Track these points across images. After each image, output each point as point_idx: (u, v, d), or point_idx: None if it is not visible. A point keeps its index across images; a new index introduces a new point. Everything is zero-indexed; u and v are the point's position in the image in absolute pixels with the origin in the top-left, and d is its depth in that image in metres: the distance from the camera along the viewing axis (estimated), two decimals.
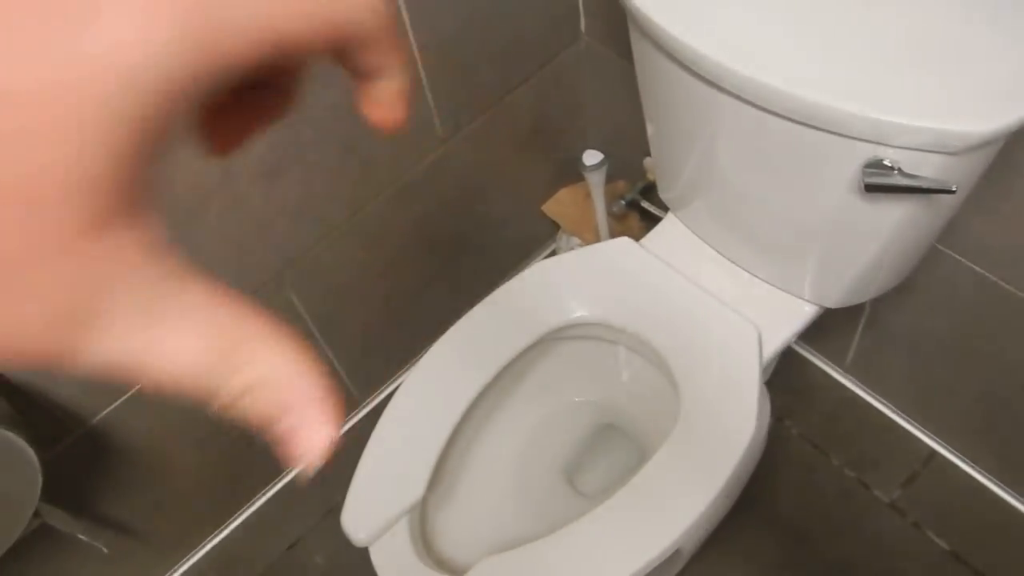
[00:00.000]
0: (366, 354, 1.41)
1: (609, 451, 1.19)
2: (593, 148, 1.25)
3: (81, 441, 1.09)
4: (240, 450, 1.32)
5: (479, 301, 1.55)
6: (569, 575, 0.86)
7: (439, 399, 1.00)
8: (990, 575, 1.22)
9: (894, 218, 0.79)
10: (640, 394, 1.13)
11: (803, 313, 1.02)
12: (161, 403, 1.13)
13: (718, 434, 0.92)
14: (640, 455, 1.17)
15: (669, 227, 1.11)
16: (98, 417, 1.09)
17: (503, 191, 1.43)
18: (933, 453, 1.32)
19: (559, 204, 1.50)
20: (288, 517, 1.42)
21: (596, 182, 1.20)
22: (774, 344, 1.00)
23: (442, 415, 0.99)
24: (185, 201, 0.99)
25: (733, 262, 1.05)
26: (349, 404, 1.47)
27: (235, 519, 1.41)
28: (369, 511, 0.93)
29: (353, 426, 1.49)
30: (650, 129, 1.01)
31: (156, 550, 1.31)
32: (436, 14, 1.09)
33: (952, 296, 1.09)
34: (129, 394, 1.10)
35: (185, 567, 1.37)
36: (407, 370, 1.52)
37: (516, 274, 1.57)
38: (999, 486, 1.27)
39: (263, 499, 1.43)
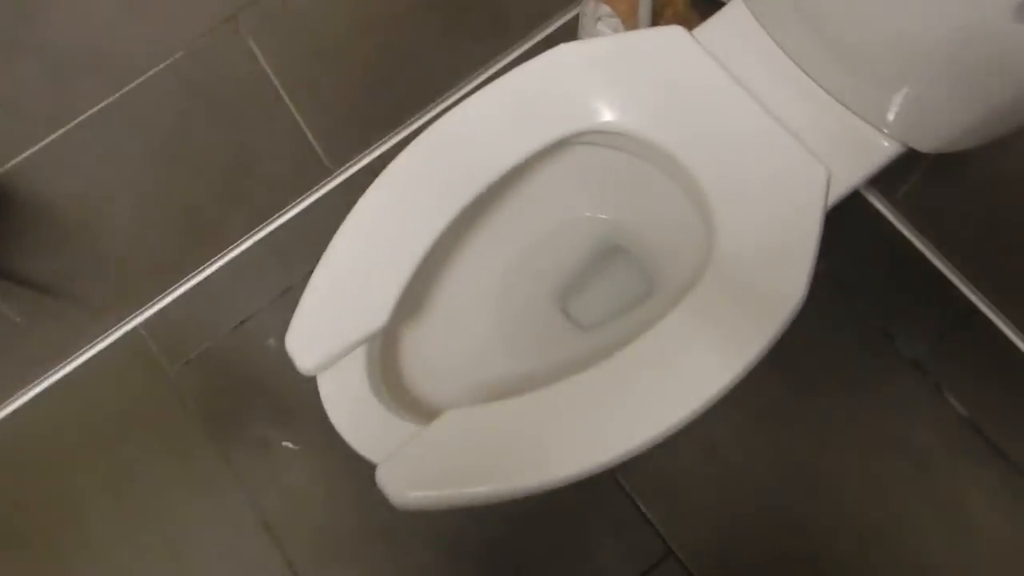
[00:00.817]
0: (342, 120, 1.20)
1: (612, 277, 1.01)
2: None
3: None
4: (186, 214, 1.14)
5: (480, 72, 1.32)
6: (554, 444, 0.72)
7: (418, 206, 0.80)
8: (1004, 448, 1.12)
9: None
10: (664, 222, 0.94)
11: (884, 152, 0.81)
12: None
13: (757, 294, 0.75)
14: (649, 287, 1.00)
15: (734, 17, 0.86)
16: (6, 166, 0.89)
17: None
18: (974, 311, 1.17)
19: None
20: (240, 290, 1.26)
21: None
22: (842, 188, 0.80)
23: (420, 226, 0.80)
24: None
25: (810, 75, 0.82)
26: (319, 172, 1.28)
27: (178, 286, 1.26)
28: (320, 334, 0.77)
29: (322, 197, 1.30)
30: None
31: (81, 318, 1.17)
32: None
33: None
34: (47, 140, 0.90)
35: (117, 335, 1.24)
36: (389, 141, 1.31)
37: (528, 43, 1.33)
38: None
39: (213, 267, 1.27)
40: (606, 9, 1.22)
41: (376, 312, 0.78)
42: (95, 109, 0.90)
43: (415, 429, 0.75)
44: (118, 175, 0.99)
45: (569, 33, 1.34)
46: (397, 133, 1.31)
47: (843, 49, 0.76)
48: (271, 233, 1.29)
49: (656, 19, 1.15)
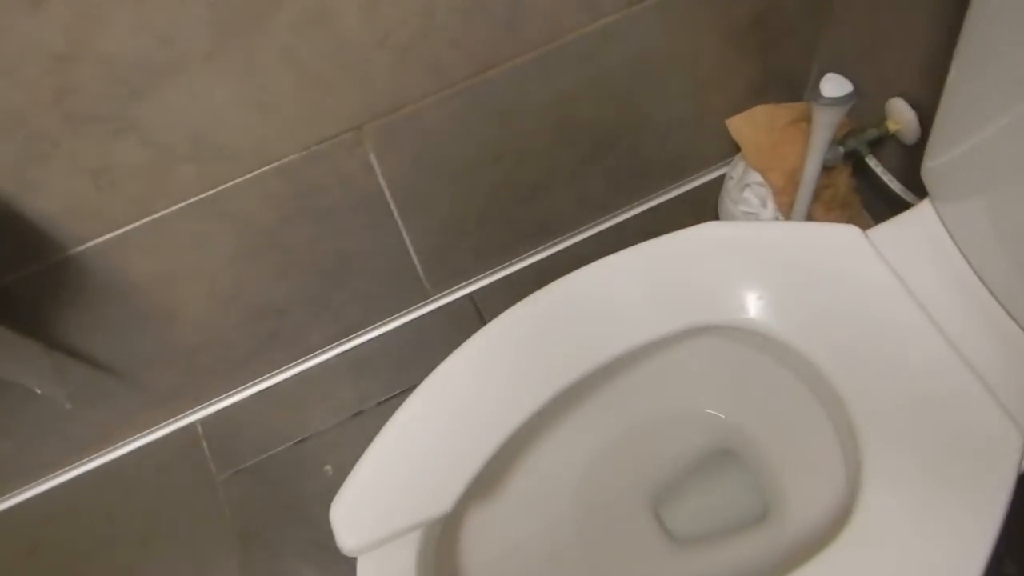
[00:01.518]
0: (451, 244, 1.11)
1: (720, 486, 0.87)
2: (831, 71, 0.86)
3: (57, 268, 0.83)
4: (267, 316, 1.06)
5: (606, 219, 1.22)
6: None
7: (519, 376, 0.69)
8: None
9: None
10: (792, 439, 0.80)
11: None
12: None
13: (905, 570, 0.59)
14: (761, 506, 0.85)
15: (919, 222, 0.73)
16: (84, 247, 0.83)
17: (684, 86, 1.05)
18: None
19: (751, 125, 1.11)
20: (306, 404, 1.17)
21: (827, 122, 0.82)
22: None
23: (514, 401, 0.68)
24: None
25: (1009, 312, 0.68)
26: (417, 293, 1.19)
27: (245, 388, 1.17)
28: (370, 510, 0.65)
29: (415, 320, 1.21)
30: (959, 65, 0.63)
31: (136, 404, 1.09)
32: None
33: None
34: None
35: (171, 428, 1.15)
36: (496, 274, 1.21)
37: (664, 196, 1.23)
38: None
39: (284, 374, 1.18)
40: (756, 177, 1.12)
41: (441, 496, 0.65)
42: (192, 200, 0.83)
43: None
44: (204, 265, 0.92)
45: (711, 193, 1.24)
46: (507, 267, 1.22)
47: None
48: (353, 348, 1.20)
49: (814, 199, 1.03)
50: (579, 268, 0.72)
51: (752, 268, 0.70)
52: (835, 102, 0.80)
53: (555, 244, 1.22)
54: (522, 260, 1.22)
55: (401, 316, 1.20)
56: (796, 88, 1.13)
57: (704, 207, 1.23)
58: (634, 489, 0.85)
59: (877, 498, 0.62)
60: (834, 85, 0.80)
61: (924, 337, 0.66)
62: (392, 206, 0.98)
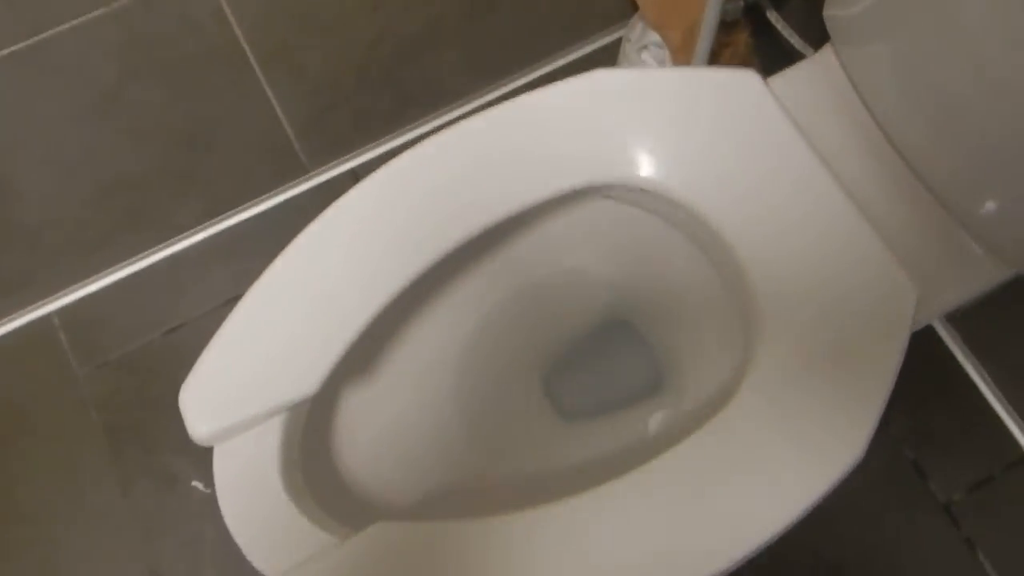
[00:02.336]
0: (327, 110, 1.01)
1: (612, 359, 0.83)
2: None
3: None
4: (122, 190, 0.95)
5: (499, 85, 1.14)
6: None
7: (389, 243, 0.62)
8: None
9: None
10: (689, 306, 0.76)
11: (988, 277, 0.63)
12: None
13: (804, 433, 0.57)
14: (654, 378, 0.82)
15: (821, 71, 0.68)
16: None
17: None
18: None
19: None
20: (179, 291, 1.08)
21: None
22: (928, 314, 0.62)
23: (385, 271, 0.61)
24: None
25: (910, 164, 0.64)
26: (293, 168, 1.09)
27: (105, 275, 1.07)
28: (224, 394, 0.58)
29: (292, 198, 1.11)
30: None
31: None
32: None
33: None
34: None
35: (22, 320, 1.05)
36: (382, 145, 1.12)
37: (560, 61, 1.15)
38: None
39: (150, 258, 1.08)
40: (654, 38, 1.05)
41: (305, 377, 0.59)
42: (10, 50, 0.71)
43: (329, 540, 0.57)
44: (37, 128, 0.81)
45: (608, 58, 1.16)
46: (393, 138, 1.12)
47: (964, 135, 0.58)
48: (226, 229, 1.10)
49: (712, 60, 0.97)
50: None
51: (643, 120, 0.64)
52: None
53: (444, 112, 1.13)
54: (408, 130, 1.13)
55: (277, 194, 1.10)
56: None
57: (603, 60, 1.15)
58: (522, 363, 0.80)
59: (768, 363, 0.58)
60: None
61: (822, 190, 0.62)
62: (253, 61, 0.87)
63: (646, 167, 0.64)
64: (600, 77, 0.66)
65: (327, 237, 0.62)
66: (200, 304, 1.08)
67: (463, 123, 0.64)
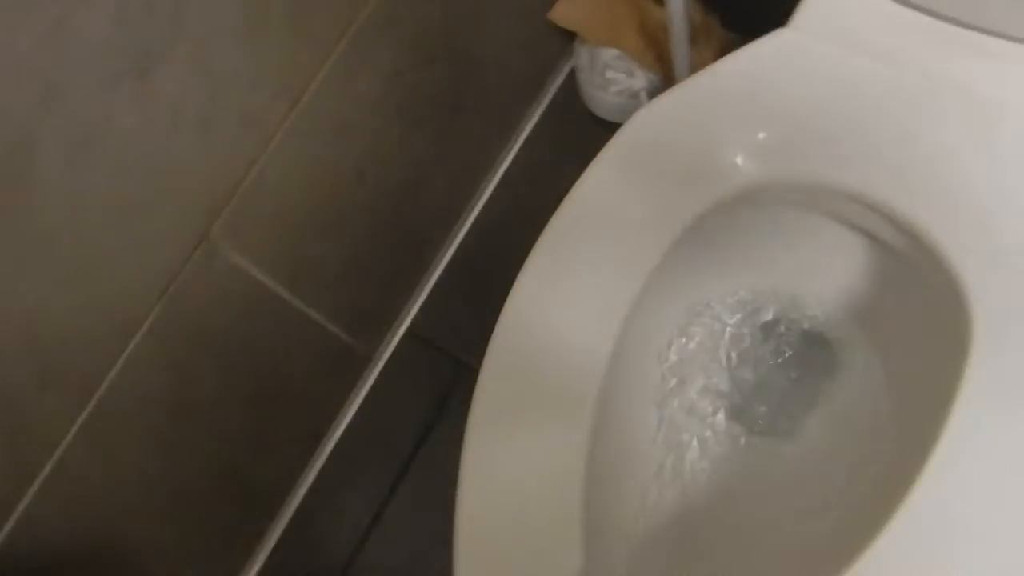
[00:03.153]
0: (360, 292, 0.97)
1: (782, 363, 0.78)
2: None
3: None
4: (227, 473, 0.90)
5: (493, 172, 1.09)
6: None
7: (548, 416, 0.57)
8: None
9: None
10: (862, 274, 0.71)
11: None
12: None
13: None
14: (826, 353, 0.76)
15: None
16: None
17: (491, 7, 0.94)
18: None
19: (575, 6, 1.01)
20: None
21: None
22: None
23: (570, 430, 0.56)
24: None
25: (975, 28, 0.60)
26: (360, 363, 1.04)
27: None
28: None
29: (369, 393, 1.06)
30: None
31: None
32: None
33: None
34: None
35: None
36: (418, 294, 1.08)
37: (532, 121, 1.12)
38: None
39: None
40: (609, 54, 1.02)
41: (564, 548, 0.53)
42: (73, 431, 0.66)
43: None
44: (130, 485, 0.76)
45: (569, 95, 1.13)
46: (427, 280, 1.08)
47: None
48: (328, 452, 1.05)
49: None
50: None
51: (722, 125, 0.60)
52: None
53: (458, 230, 1.09)
54: (438, 265, 1.09)
55: (355, 397, 1.05)
56: None
57: (571, 109, 1.12)
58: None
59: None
60: None
61: (929, 95, 0.58)
62: (282, 292, 0.83)
63: (751, 168, 0.60)
64: (657, 106, 0.62)
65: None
66: None
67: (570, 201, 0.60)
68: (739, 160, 0.60)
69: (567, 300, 0.59)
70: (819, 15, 0.63)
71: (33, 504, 0.66)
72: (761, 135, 0.60)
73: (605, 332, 0.58)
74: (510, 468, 0.56)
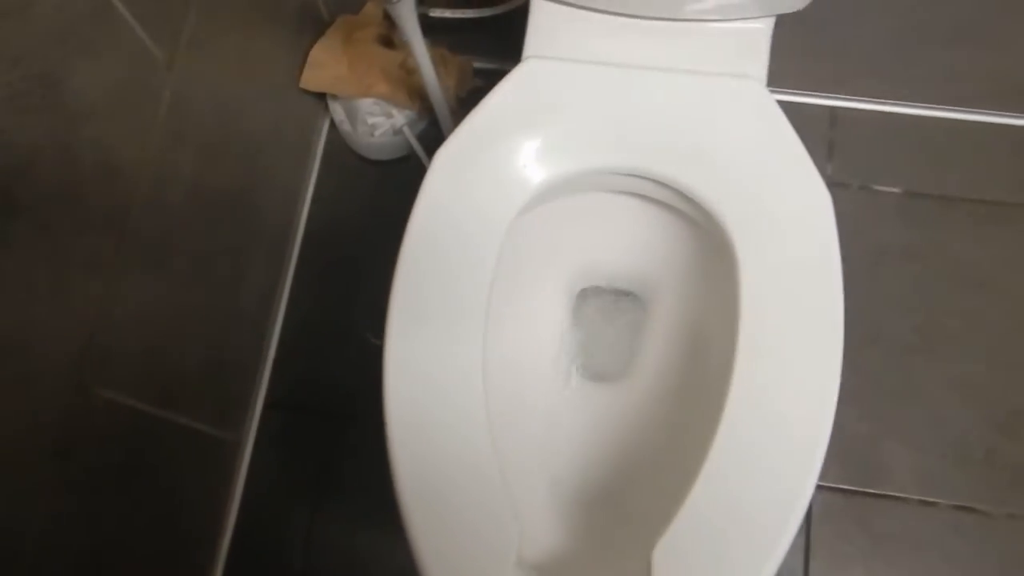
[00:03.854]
0: (217, 387, 1.02)
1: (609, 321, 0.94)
2: None
3: None
4: None
5: (293, 242, 1.16)
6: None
7: (451, 405, 0.68)
8: (947, 192, 1.17)
9: None
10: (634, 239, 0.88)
11: (766, 33, 0.79)
12: None
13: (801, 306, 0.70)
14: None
15: (547, 15, 0.80)
16: None
17: (257, 88, 1.02)
18: (833, 111, 1.21)
19: (319, 69, 1.11)
20: None
21: (408, 12, 0.84)
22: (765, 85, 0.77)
23: (469, 409, 0.68)
24: None
25: (653, 18, 0.78)
26: (233, 452, 1.09)
27: None
28: None
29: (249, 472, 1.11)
30: None
31: None
32: None
33: None
34: None
35: None
36: (264, 377, 1.14)
37: (303, 198, 1.20)
38: (906, 105, 1.20)
39: None
40: (367, 102, 1.13)
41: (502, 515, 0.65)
42: None
43: None
44: None
45: (337, 146, 1.23)
46: (269, 346, 1.14)
47: None
48: None
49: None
50: None
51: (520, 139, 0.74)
52: None
53: (281, 296, 1.16)
54: (273, 332, 1.15)
55: (236, 492, 1.10)
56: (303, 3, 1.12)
57: (343, 160, 1.22)
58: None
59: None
60: None
61: (645, 80, 0.75)
62: (154, 411, 0.87)
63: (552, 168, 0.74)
64: (451, 147, 0.74)
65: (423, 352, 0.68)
66: None
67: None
68: (527, 168, 0.74)
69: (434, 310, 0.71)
70: (544, 42, 0.78)
71: None
72: (537, 143, 0.74)
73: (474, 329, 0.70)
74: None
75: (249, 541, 1.09)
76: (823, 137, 1.21)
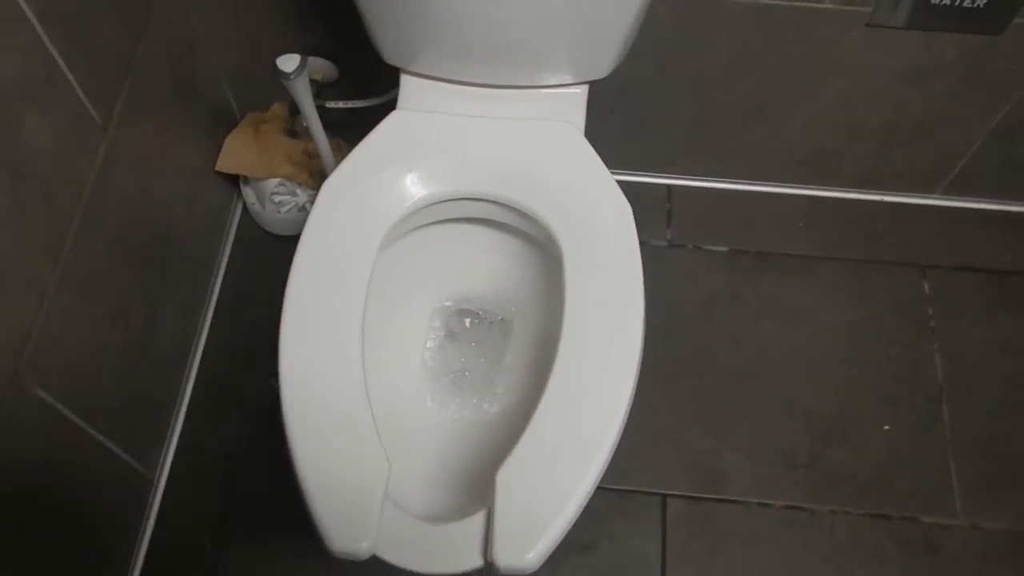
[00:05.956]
0: (137, 418, 1.15)
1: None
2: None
3: None
4: None
5: (207, 307, 1.32)
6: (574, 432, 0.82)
7: (331, 368, 0.85)
8: (763, 248, 1.41)
9: None
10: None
11: (582, 99, 1.03)
12: None
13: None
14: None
15: (414, 86, 1.02)
16: None
17: (178, 166, 1.21)
18: (670, 188, 1.46)
19: (233, 156, 1.31)
20: None
21: (303, 89, 1.06)
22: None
23: (346, 371, 0.84)
24: None
25: (493, 86, 1.01)
26: (145, 490, 1.20)
27: None
28: (353, 512, 0.78)
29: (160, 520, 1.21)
30: None
31: None
32: None
33: (651, 32, 1.16)
34: None
35: None
36: (178, 422, 1.27)
37: (219, 266, 1.37)
38: (725, 181, 1.46)
39: None
40: (273, 182, 1.32)
41: (376, 463, 0.80)
42: None
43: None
44: None
45: (249, 226, 1.41)
46: (182, 402, 1.28)
47: (508, 52, 0.96)
48: None
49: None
50: None
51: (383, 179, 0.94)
52: (297, 72, 1.03)
53: (195, 352, 1.31)
54: (187, 384, 1.29)
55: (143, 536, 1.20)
56: (217, 101, 1.34)
57: (254, 236, 1.40)
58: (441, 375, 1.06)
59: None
60: (288, 61, 1.03)
61: (489, 128, 0.97)
62: (78, 421, 1.00)
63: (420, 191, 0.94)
64: (333, 184, 0.94)
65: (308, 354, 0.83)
66: None
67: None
68: (399, 193, 0.94)
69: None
70: (410, 101, 1.00)
71: None
72: (405, 173, 0.94)
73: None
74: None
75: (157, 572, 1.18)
76: (662, 208, 1.45)
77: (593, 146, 0.98)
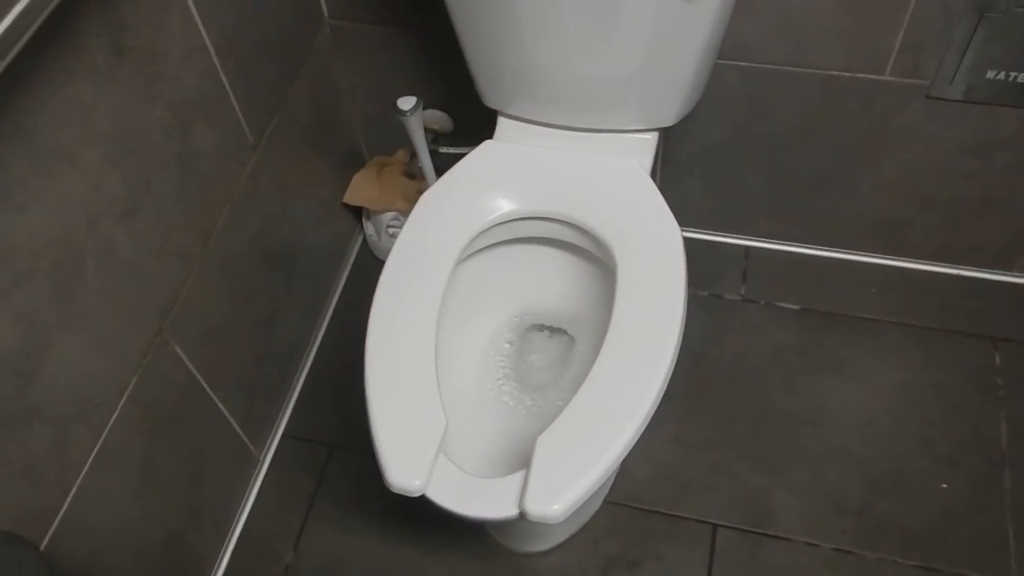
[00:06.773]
0: (251, 398, 1.33)
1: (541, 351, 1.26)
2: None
3: None
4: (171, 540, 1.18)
5: (323, 318, 1.53)
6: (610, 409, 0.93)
7: (409, 343, 1.01)
8: (832, 309, 1.49)
9: (710, 8, 0.98)
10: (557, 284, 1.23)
11: (652, 143, 1.18)
12: None
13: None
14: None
15: (508, 126, 1.20)
16: None
17: (311, 192, 1.43)
18: (747, 249, 1.57)
19: (358, 190, 1.53)
20: None
21: (416, 125, 1.26)
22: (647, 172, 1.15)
23: (421, 346, 1.00)
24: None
25: (577, 129, 1.18)
26: (250, 464, 1.37)
27: None
28: (412, 454, 0.92)
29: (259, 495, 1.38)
30: (467, 39, 1.11)
31: None
32: (218, 5, 1.08)
33: (726, 99, 1.31)
34: None
35: None
36: (288, 411, 1.45)
37: (338, 282, 1.58)
38: (801, 245, 1.55)
39: None
40: (389, 215, 1.53)
41: (436, 415, 0.95)
42: (91, 457, 0.98)
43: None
44: (115, 521, 1.05)
45: (365, 255, 1.62)
46: (292, 393, 1.46)
47: (589, 98, 1.13)
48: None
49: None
50: None
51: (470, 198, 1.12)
52: (412, 110, 1.24)
53: (311, 351, 1.50)
54: (299, 379, 1.48)
55: (246, 501, 1.37)
56: (350, 144, 1.57)
57: (367, 262, 1.61)
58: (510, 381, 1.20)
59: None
60: (406, 101, 1.24)
61: (565, 159, 1.14)
62: (204, 383, 1.19)
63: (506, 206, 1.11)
64: (433, 195, 1.12)
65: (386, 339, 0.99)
66: None
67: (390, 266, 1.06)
68: (483, 207, 1.11)
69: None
70: (506, 132, 1.18)
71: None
72: (491, 192, 1.11)
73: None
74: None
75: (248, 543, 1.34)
76: (739, 266, 1.56)
77: (675, 204, 1.10)
